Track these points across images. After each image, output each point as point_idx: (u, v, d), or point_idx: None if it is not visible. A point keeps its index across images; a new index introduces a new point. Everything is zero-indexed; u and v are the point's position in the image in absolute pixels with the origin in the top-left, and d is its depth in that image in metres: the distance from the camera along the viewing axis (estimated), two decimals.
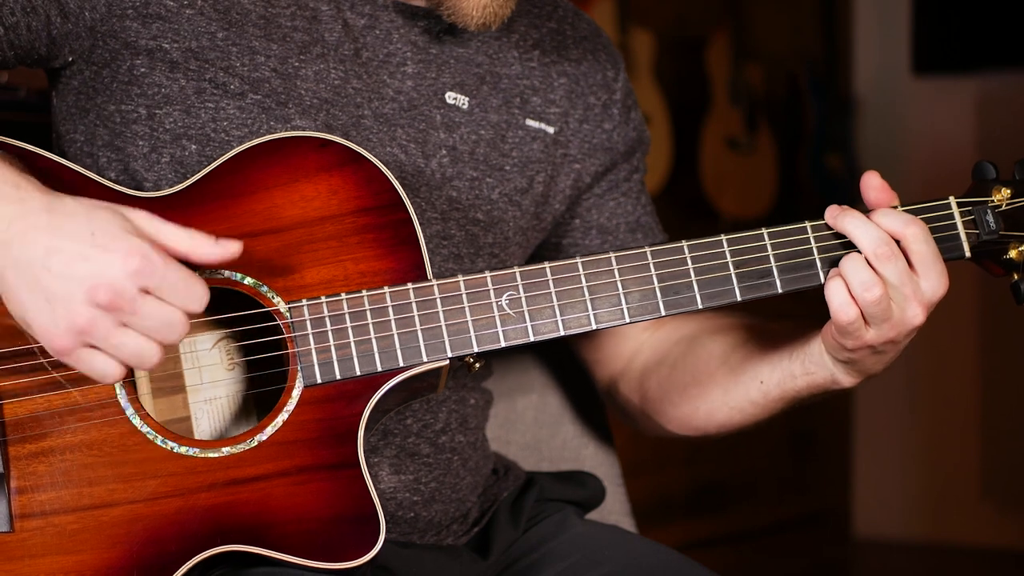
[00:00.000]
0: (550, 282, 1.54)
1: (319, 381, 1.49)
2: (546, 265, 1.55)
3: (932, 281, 1.54)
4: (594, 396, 1.97)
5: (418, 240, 1.52)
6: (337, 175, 1.52)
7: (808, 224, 1.58)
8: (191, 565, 1.45)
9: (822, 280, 1.56)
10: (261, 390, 1.57)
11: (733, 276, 1.56)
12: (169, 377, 1.54)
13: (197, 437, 1.55)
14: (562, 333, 1.54)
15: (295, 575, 1.46)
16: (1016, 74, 5.07)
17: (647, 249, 1.56)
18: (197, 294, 1.35)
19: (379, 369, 1.50)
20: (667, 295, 1.56)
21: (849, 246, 1.55)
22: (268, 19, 1.61)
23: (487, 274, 1.53)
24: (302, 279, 1.51)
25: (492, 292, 1.53)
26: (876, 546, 5.33)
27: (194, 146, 1.58)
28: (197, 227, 1.49)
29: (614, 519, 1.97)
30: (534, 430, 2.01)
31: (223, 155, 1.52)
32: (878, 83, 5.39)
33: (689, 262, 1.56)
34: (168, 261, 1.34)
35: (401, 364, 1.51)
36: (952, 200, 1.60)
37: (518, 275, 1.54)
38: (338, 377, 1.49)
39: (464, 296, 1.53)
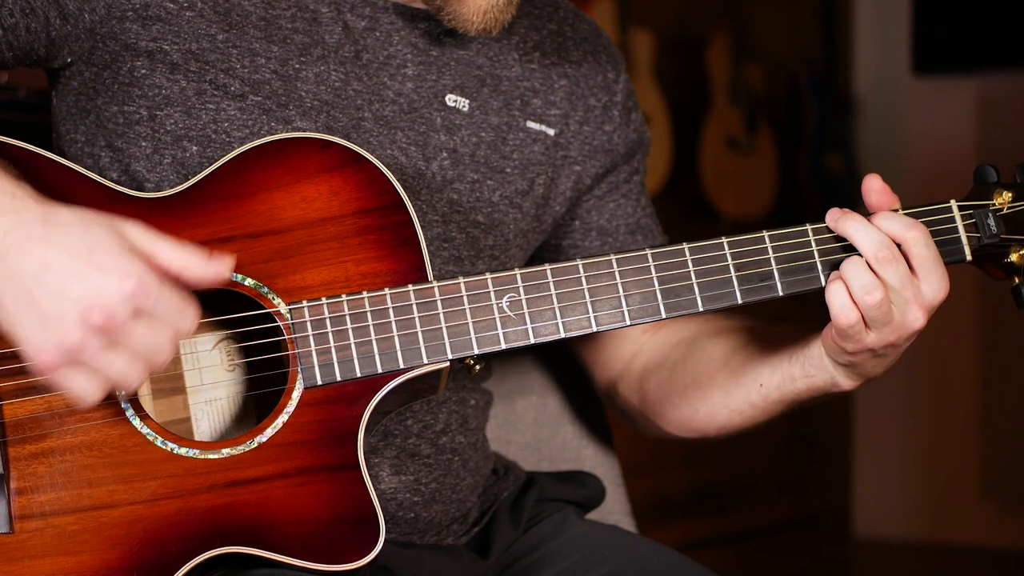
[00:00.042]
0: (551, 284, 1.54)
1: (319, 382, 1.49)
2: (547, 267, 1.55)
3: (933, 285, 1.54)
4: (594, 397, 1.97)
5: (419, 241, 1.52)
6: (338, 176, 1.52)
7: (809, 227, 1.58)
8: (191, 566, 1.44)
9: (823, 283, 1.56)
10: (261, 391, 1.57)
11: (734, 279, 1.56)
12: (169, 378, 1.54)
13: (197, 438, 1.54)
14: (562, 335, 1.54)
15: None
16: (1016, 74, 5.07)
17: (648, 251, 1.56)
18: (187, 320, 1.34)
19: (379, 370, 1.50)
20: (668, 297, 1.56)
21: (850, 249, 1.55)
22: (268, 21, 1.61)
23: (488, 276, 1.53)
24: (303, 280, 1.51)
25: (493, 294, 1.53)
26: (876, 546, 5.33)
27: (195, 147, 1.58)
28: (198, 228, 1.50)
29: (614, 519, 1.97)
30: (534, 430, 2.01)
31: (224, 156, 1.52)
32: (878, 83, 5.39)
33: (690, 264, 1.56)
34: (162, 284, 1.32)
35: (401, 366, 1.51)
36: (953, 203, 1.60)
37: (519, 277, 1.54)
38: (338, 378, 1.49)
39: (465, 298, 1.53)
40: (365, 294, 1.51)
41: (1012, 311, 1.72)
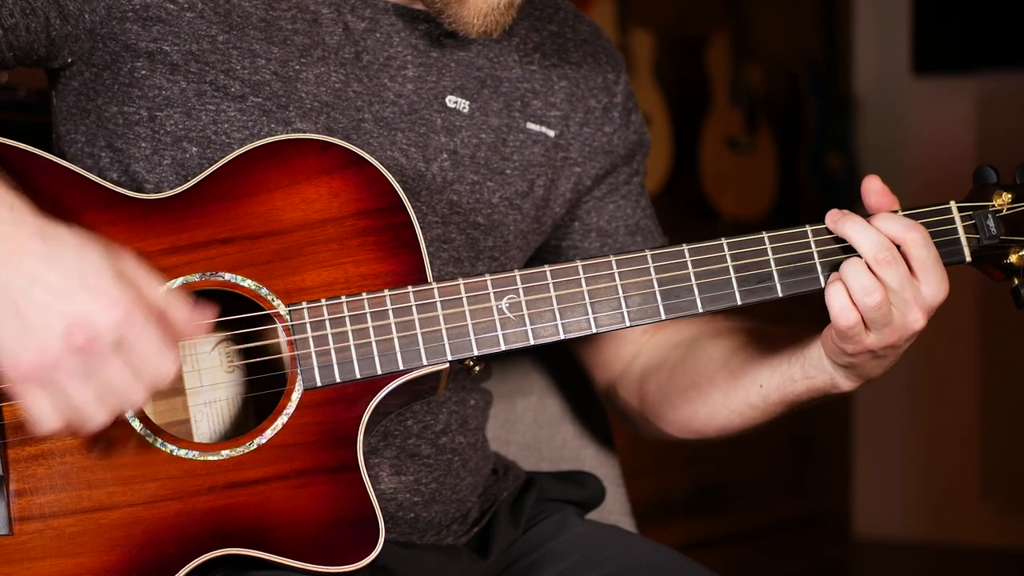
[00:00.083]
0: (550, 285, 1.54)
1: (319, 384, 1.49)
2: (546, 268, 1.55)
3: (932, 286, 1.54)
4: (594, 398, 1.97)
5: (418, 243, 1.52)
6: (338, 177, 1.52)
7: (808, 228, 1.58)
8: (190, 568, 1.44)
9: (822, 284, 1.56)
10: (261, 393, 1.57)
11: (733, 280, 1.56)
12: None
13: (196, 440, 1.54)
14: (562, 337, 1.54)
15: None
16: (1016, 74, 5.07)
17: (647, 253, 1.56)
18: (165, 366, 1.33)
19: (379, 372, 1.50)
20: (667, 299, 1.56)
21: (849, 250, 1.55)
22: (269, 22, 1.61)
23: (487, 277, 1.53)
24: (302, 281, 1.50)
25: (492, 295, 1.53)
26: (876, 546, 5.33)
27: (195, 148, 1.58)
28: (197, 229, 1.50)
29: (614, 519, 1.97)
30: (534, 430, 2.01)
31: (224, 157, 1.52)
32: (878, 83, 5.39)
33: (689, 266, 1.56)
34: (148, 323, 1.31)
35: (401, 367, 1.51)
36: (953, 204, 1.60)
37: (518, 278, 1.54)
38: (338, 380, 1.49)
39: (464, 299, 1.53)
40: (364, 295, 1.51)
41: (1012, 312, 1.72)
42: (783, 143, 5.06)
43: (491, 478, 1.80)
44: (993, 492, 5.16)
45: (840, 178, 5.13)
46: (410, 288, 1.51)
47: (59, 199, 1.47)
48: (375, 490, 1.54)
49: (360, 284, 1.51)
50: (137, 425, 1.46)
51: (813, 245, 1.57)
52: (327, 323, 1.50)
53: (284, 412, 1.48)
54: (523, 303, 1.54)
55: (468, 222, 1.68)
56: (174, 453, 1.46)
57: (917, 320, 1.54)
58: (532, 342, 1.54)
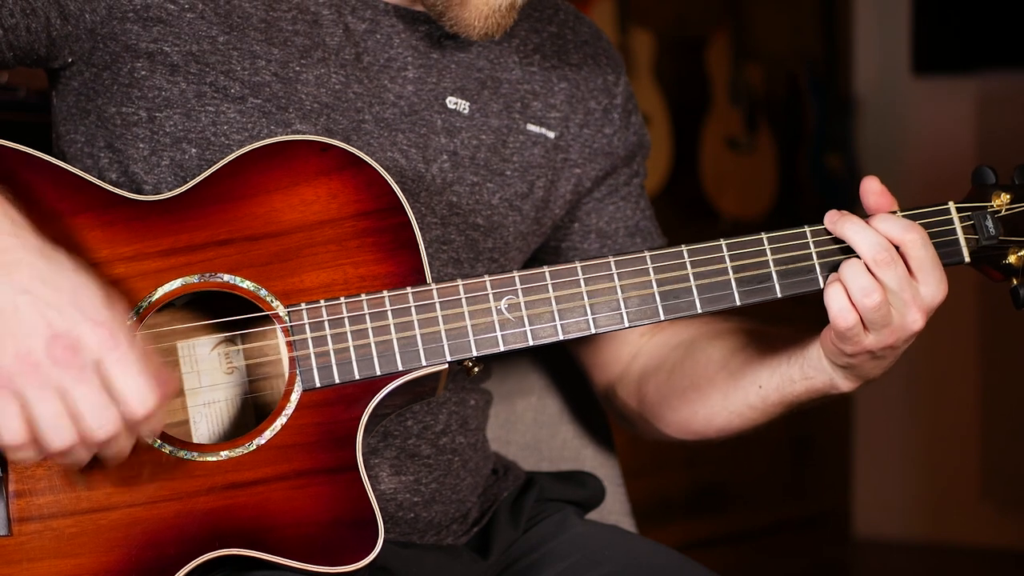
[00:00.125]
0: (549, 286, 1.54)
1: (318, 385, 1.49)
2: (545, 269, 1.55)
3: (931, 286, 1.54)
4: (594, 398, 1.97)
5: (418, 244, 1.52)
6: (337, 179, 1.52)
7: (807, 229, 1.58)
8: (190, 569, 1.44)
9: (821, 285, 1.56)
10: (260, 394, 1.57)
11: (732, 281, 1.56)
12: None
13: (195, 441, 1.54)
14: (561, 337, 1.54)
15: None
16: (1016, 74, 5.07)
17: (647, 254, 1.56)
18: (138, 401, 1.32)
19: (378, 373, 1.50)
20: (666, 299, 1.56)
21: (848, 251, 1.55)
22: (269, 23, 1.61)
23: (486, 278, 1.53)
24: (301, 283, 1.51)
25: (491, 296, 1.53)
26: (876, 546, 5.33)
27: (194, 149, 1.58)
28: (196, 231, 1.50)
29: (614, 519, 1.97)
30: (534, 430, 2.01)
31: (223, 158, 1.52)
32: (878, 83, 5.39)
33: (689, 267, 1.56)
34: (130, 350, 1.32)
35: (400, 368, 1.51)
36: (951, 205, 1.60)
37: (517, 279, 1.54)
38: (337, 381, 1.49)
39: (463, 300, 1.53)
40: (363, 296, 1.51)
41: (1011, 312, 1.72)
42: (783, 143, 5.06)
43: (491, 478, 1.80)
44: (993, 492, 5.16)
45: (840, 178, 5.13)
46: (409, 289, 1.51)
47: (57, 200, 1.47)
48: (375, 490, 1.54)
49: (359, 285, 1.51)
50: None
51: (812, 246, 1.57)
52: (326, 324, 1.50)
53: (283, 413, 1.48)
54: (522, 304, 1.54)
55: (468, 223, 1.68)
56: (173, 454, 1.46)
57: (916, 321, 1.54)
58: (531, 343, 1.54)
